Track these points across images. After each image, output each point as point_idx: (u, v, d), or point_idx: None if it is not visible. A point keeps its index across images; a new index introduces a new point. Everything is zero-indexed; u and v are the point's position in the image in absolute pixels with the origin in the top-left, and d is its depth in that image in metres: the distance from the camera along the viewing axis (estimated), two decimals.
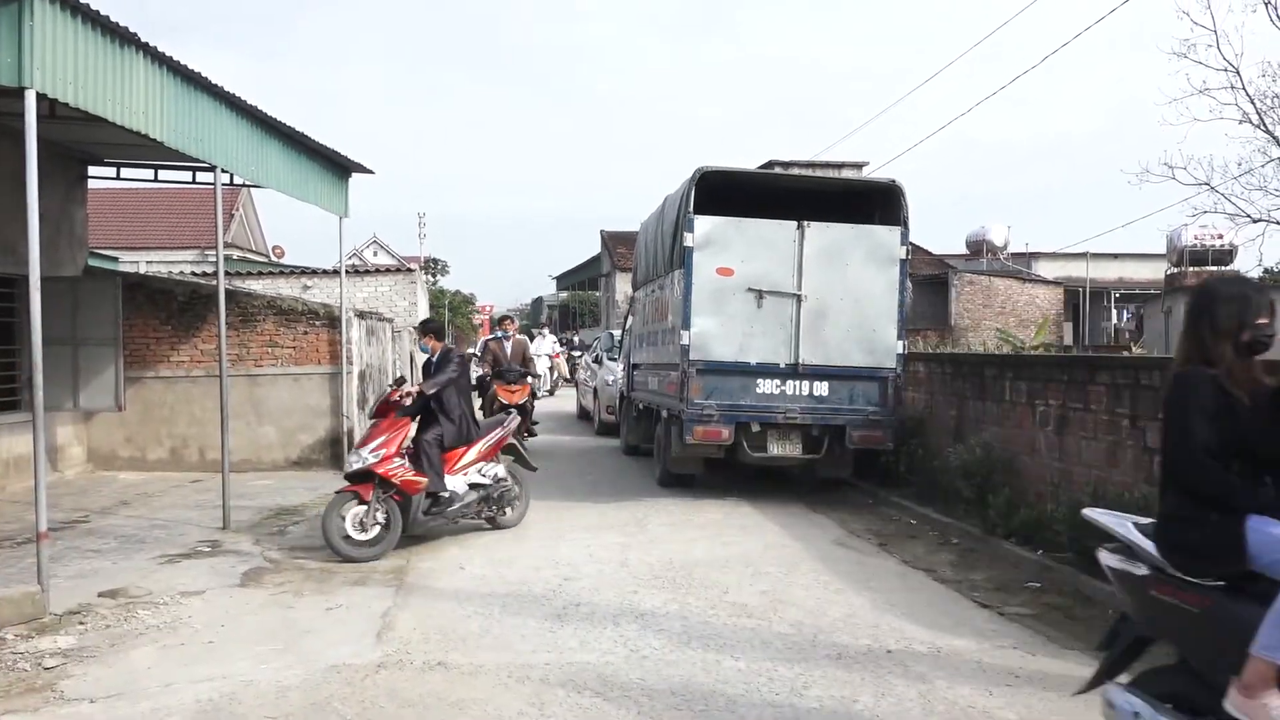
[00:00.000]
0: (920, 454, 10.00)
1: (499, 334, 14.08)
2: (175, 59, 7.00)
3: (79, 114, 6.21)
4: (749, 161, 14.81)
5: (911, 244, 9.94)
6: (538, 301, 59.96)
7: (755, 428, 9.50)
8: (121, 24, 6.23)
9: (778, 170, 18.97)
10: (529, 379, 13.46)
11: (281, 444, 11.71)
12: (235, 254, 28.95)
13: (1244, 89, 14.59)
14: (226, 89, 7.95)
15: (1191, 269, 26.43)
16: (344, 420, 11.66)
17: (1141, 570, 3.16)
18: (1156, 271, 33.69)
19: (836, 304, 9.53)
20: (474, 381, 15.13)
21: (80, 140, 10.37)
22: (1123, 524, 3.31)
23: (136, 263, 24.50)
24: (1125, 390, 6.88)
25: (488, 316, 15.09)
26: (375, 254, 48.46)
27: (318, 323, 11.81)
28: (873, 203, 10.29)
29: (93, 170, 11.72)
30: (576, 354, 23.89)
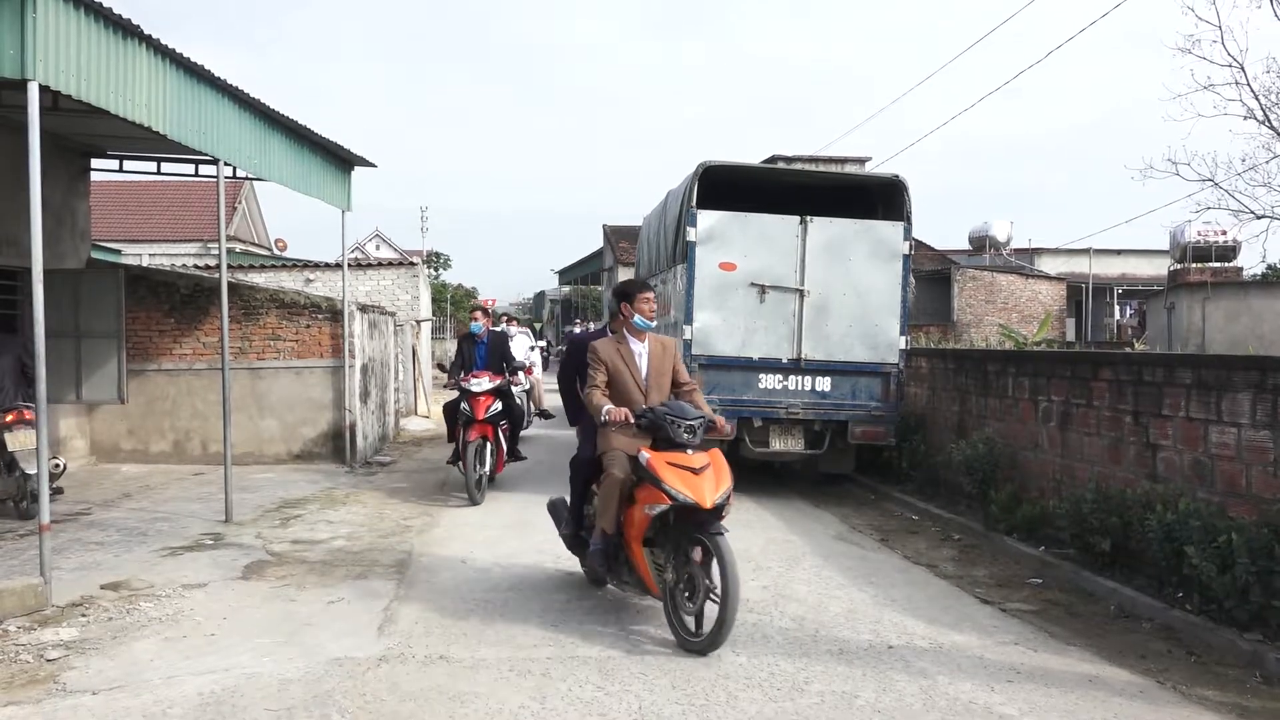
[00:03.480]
0: (922, 449, 9.99)
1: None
2: (178, 51, 6.99)
3: (82, 106, 6.20)
4: (750, 157, 14.79)
5: (914, 239, 9.94)
6: (540, 296, 59.91)
7: (757, 423, 9.51)
8: (124, 16, 6.22)
9: (781, 165, 18.94)
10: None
11: (284, 437, 11.71)
12: (238, 247, 28.94)
13: (1249, 85, 14.58)
14: (229, 81, 7.94)
15: (1195, 265, 26.34)
16: (346, 414, 11.66)
17: None
18: (1160, 268, 33.61)
19: (839, 299, 9.53)
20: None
21: (83, 133, 10.36)
22: None
23: (139, 255, 24.52)
24: (1128, 386, 6.87)
25: (491, 309, 13.78)
26: (378, 248, 48.55)
27: (320, 316, 11.81)
28: (875, 198, 10.29)
29: (95, 163, 11.70)
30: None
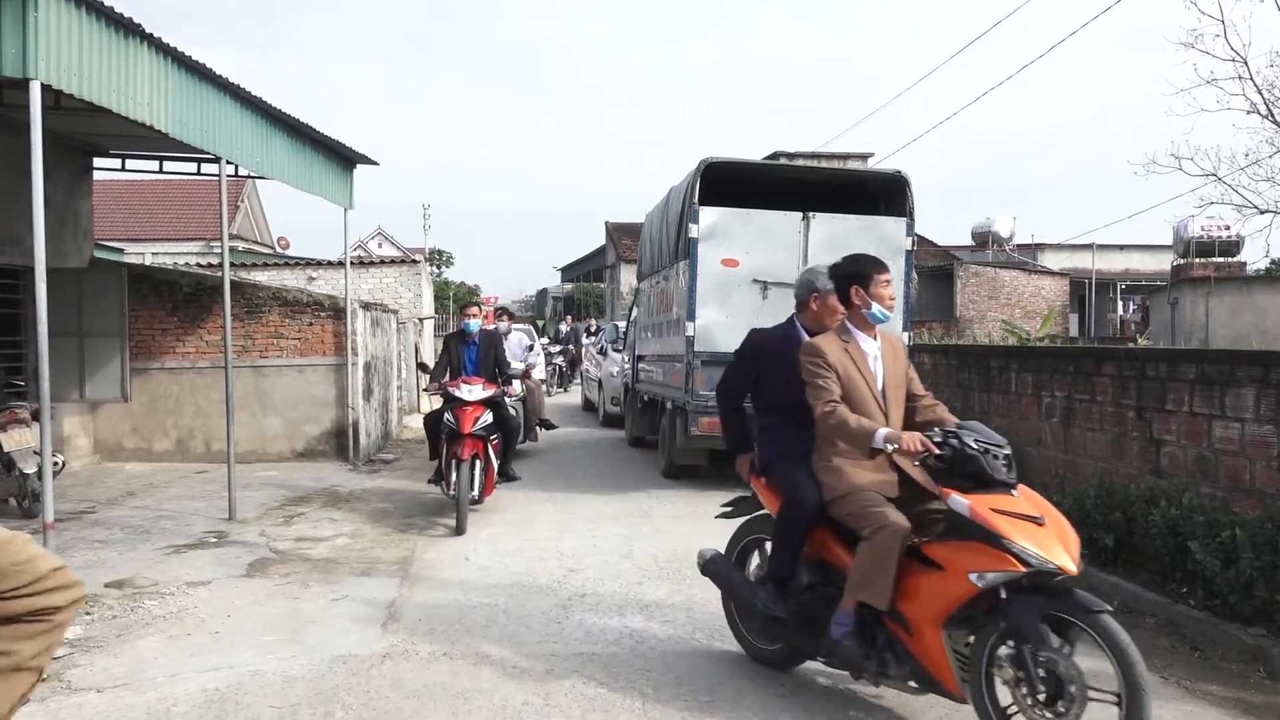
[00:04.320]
0: None
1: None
2: (179, 50, 6.99)
3: (84, 105, 6.20)
4: (752, 154, 14.82)
5: (917, 235, 9.92)
6: (542, 293, 59.89)
7: None
8: (125, 15, 6.22)
9: (783, 162, 18.93)
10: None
11: (287, 435, 11.73)
12: (240, 245, 28.98)
13: (1251, 79, 14.61)
14: (231, 80, 7.94)
15: (1198, 260, 26.28)
16: (349, 411, 11.67)
17: None
18: (1163, 263, 33.58)
19: None
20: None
21: (85, 132, 10.37)
22: None
23: (142, 254, 24.56)
24: (1131, 382, 6.86)
25: (491, 307, 13.58)
26: (380, 246, 48.59)
27: (323, 314, 11.82)
28: (878, 194, 10.28)
29: (98, 162, 11.71)
30: (587, 342, 22.78)
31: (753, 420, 4.86)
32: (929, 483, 4.08)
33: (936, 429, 4.03)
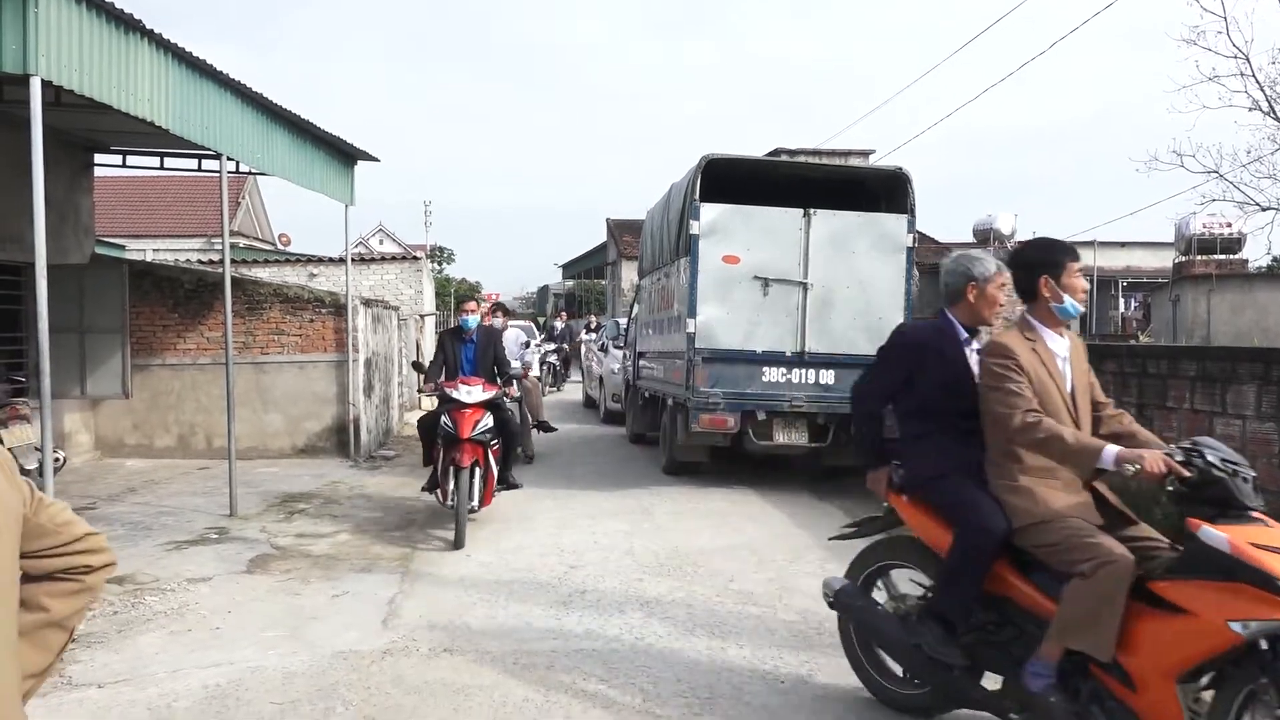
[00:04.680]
0: None
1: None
2: (180, 46, 6.98)
3: (84, 101, 6.19)
4: (753, 151, 14.82)
5: (918, 232, 9.92)
6: (543, 290, 59.88)
7: (761, 416, 9.50)
8: (125, 11, 6.21)
9: (783, 158, 18.91)
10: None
11: (288, 431, 11.73)
12: (241, 242, 28.99)
13: (1254, 76, 14.60)
14: (232, 76, 7.94)
15: (1200, 258, 26.21)
16: (350, 408, 11.67)
17: None
18: (1164, 260, 33.51)
19: (843, 292, 9.51)
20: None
21: (86, 128, 10.35)
22: None
23: (143, 250, 24.56)
24: (1132, 379, 6.86)
25: (489, 304, 13.29)
26: (381, 242, 48.67)
27: (324, 310, 11.82)
28: (879, 191, 10.27)
29: (99, 158, 11.70)
30: (588, 338, 22.47)
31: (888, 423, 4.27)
32: (1122, 505, 3.64)
33: (1174, 446, 3.39)
